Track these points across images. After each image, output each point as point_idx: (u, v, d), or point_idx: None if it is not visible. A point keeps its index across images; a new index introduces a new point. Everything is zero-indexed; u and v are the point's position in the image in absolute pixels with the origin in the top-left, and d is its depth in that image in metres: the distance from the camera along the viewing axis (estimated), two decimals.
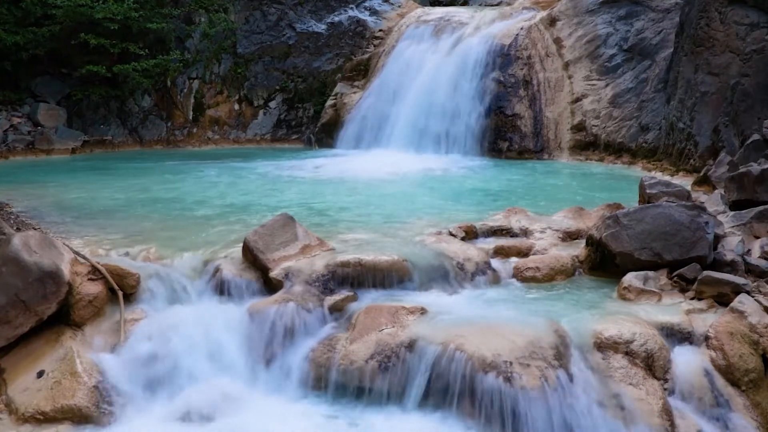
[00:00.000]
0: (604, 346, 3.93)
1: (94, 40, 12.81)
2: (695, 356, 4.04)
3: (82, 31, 12.86)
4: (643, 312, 4.28)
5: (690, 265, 4.70)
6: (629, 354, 3.89)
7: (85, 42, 12.83)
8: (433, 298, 4.70)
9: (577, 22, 13.14)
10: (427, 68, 13.63)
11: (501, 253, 5.53)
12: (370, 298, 4.65)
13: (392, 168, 10.80)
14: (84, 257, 4.68)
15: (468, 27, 14.27)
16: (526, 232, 5.94)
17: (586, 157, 12.15)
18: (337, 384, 4.12)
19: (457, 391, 3.80)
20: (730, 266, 4.75)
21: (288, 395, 4.16)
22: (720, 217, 5.68)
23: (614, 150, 11.91)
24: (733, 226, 5.54)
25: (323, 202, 7.91)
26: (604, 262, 5.09)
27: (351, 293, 4.67)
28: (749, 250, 5.18)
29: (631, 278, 4.69)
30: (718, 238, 5.09)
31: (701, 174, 8.05)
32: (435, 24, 14.67)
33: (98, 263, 4.61)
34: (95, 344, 4.30)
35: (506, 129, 12.80)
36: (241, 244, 5.04)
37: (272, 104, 15.51)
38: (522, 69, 13.14)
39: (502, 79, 13.06)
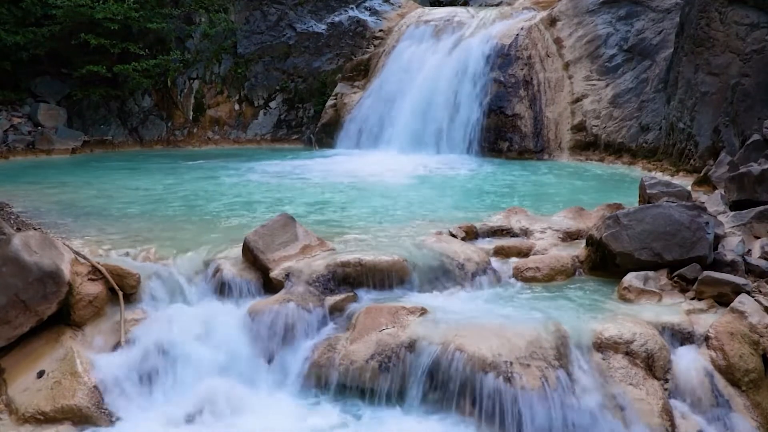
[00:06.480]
0: (605, 346, 3.93)
1: (95, 40, 12.81)
2: (695, 356, 4.04)
3: (82, 31, 12.86)
4: (644, 312, 4.28)
5: (690, 265, 4.70)
6: (629, 354, 3.89)
7: (86, 42, 12.83)
8: (433, 298, 4.70)
9: (578, 22, 13.14)
10: (428, 68, 13.63)
11: (501, 253, 5.53)
12: (370, 299, 4.65)
13: (392, 168, 10.80)
14: (84, 257, 4.68)
15: (468, 27, 14.28)
16: (526, 233, 5.94)
17: (587, 157, 12.15)
18: (337, 384, 4.12)
19: (458, 391, 3.80)
20: (731, 266, 4.75)
21: (288, 395, 4.16)
22: (720, 218, 5.68)
23: (614, 150, 11.91)
24: (733, 226, 5.54)
25: (323, 202, 7.91)
26: (604, 262, 5.09)
27: (351, 293, 4.67)
28: (749, 250, 5.18)
29: (631, 278, 4.69)
30: (718, 238, 5.09)
31: (701, 174, 8.05)
32: (435, 24, 14.67)
33: (98, 263, 4.61)
34: (95, 344, 4.30)
35: (506, 129, 12.80)
36: (241, 244, 5.04)
37: (272, 104, 15.51)
38: (522, 69, 13.14)
39: (502, 79, 13.05)
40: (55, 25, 12.84)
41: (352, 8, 15.71)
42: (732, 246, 5.04)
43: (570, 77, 12.88)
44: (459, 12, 15.21)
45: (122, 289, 4.53)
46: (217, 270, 4.88)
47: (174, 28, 14.37)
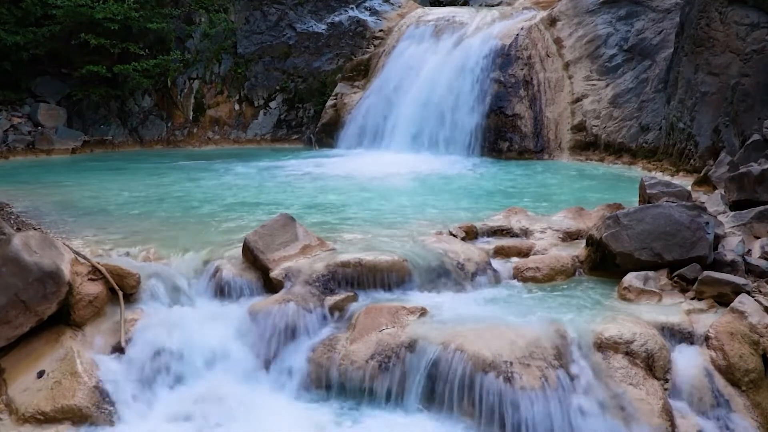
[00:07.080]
0: (605, 346, 3.93)
1: (95, 40, 12.81)
2: (695, 356, 4.05)
3: (82, 31, 12.87)
4: (644, 312, 4.29)
5: (690, 265, 4.70)
6: (630, 354, 3.89)
7: (86, 42, 12.84)
8: (433, 298, 4.70)
9: (578, 22, 13.13)
10: (428, 68, 13.63)
11: (501, 253, 5.53)
12: (370, 299, 4.65)
13: (392, 168, 10.80)
14: (84, 257, 4.68)
15: (468, 27, 14.27)
16: (526, 233, 5.94)
17: (587, 157, 12.15)
18: (337, 384, 4.12)
19: (458, 391, 3.80)
20: (731, 266, 4.75)
21: (288, 395, 4.16)
22: (720, 218, 5.68)
23: (614, 150, 11.91)
24: (733, 226, 5.54)
25: (323, 202, 7.91)
26: (604, 262, 5.09)
27: (351, 293, 4.67)
28: (749, 250, 5.18)
29: (631, 278, 4.69)
30: (718, 238, 5.09)
31: (701, 174, 8.05)
32: (435, 24, 14.66)
33: (98, 263, 4.60)
34: (95, 344, 4.30)
35: (506, 129, 12.79)
36: (241, 245, 5.04)
37: (272, 104, 15.50)
38: (522, 69, 13.13)
39: (502, 79, 13.05)
40: (55, 25, 12.85)
41: (352, 8, 15.70)
42: (732, 246, 5.04)
43: (570, 77, 12.88)
44: (459, 12, 15.21)
45: (122, 289, 4.53)
46: (217, 270, 4.88)
47: (174, 28, 14.37)
